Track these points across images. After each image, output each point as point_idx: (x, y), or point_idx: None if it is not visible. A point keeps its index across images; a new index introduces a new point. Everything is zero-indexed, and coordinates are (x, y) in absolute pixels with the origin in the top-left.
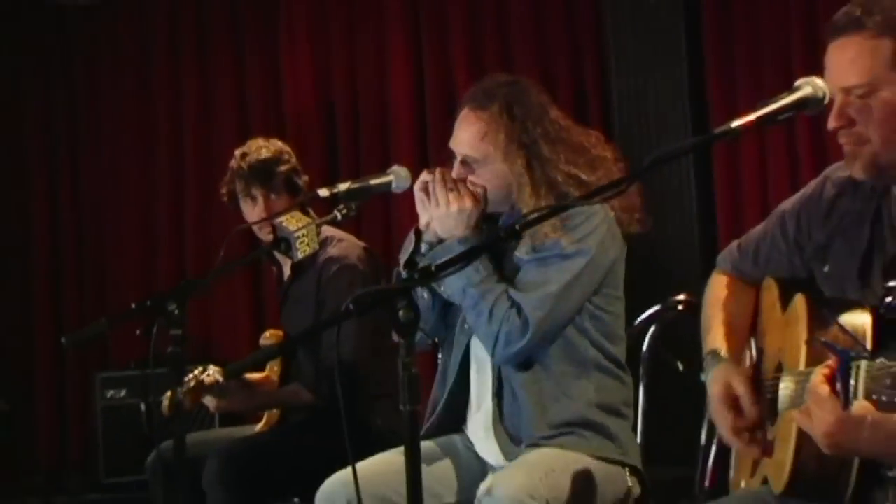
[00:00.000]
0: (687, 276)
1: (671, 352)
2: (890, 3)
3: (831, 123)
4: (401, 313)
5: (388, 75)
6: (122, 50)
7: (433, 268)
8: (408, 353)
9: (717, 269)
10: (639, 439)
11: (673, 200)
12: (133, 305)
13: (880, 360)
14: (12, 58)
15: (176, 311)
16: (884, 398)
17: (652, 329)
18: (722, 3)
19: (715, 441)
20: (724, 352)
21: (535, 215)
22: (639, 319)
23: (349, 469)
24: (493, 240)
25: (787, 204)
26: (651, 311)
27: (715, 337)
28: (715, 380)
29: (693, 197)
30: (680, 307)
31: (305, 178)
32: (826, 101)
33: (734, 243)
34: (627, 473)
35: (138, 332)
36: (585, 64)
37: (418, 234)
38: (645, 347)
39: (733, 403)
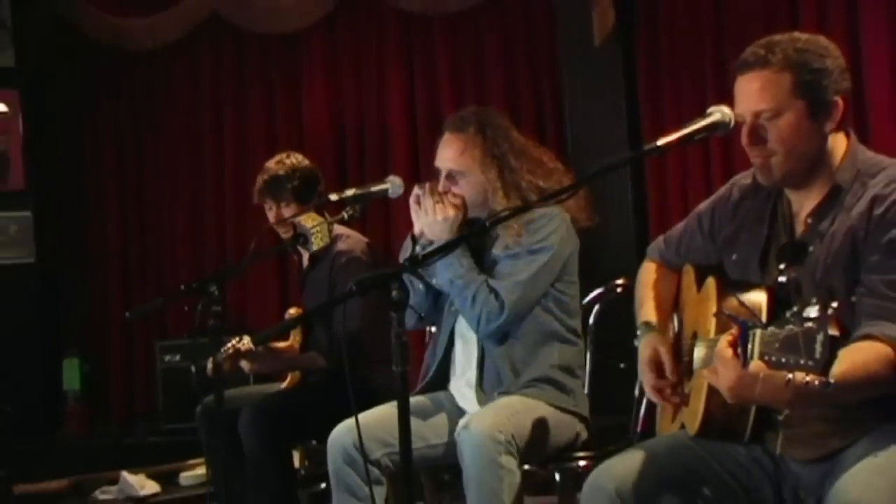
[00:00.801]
0: (624, 264)
1: (612, 325)
2: (786, 45)
3: (745, 140)
4: (394, 293)
5: (387, 104)
6: (176, 84)
7: (420, 257)
8: (399, 325)
9: (647, 257)
10: (587, 387)
11: (614, 203)
12: (182, 287)
13: (771, 329)
14: (92, 90)
15: (216, 292)
16: (773, 359)
17: (597, 307)
18: (651, 46)
19: (646, 395)
20: (653, 323)
21: (503, 214)
22: (587, 299)
23: (353, 418)
24: (471, 234)
25: (703, 206)
26: (596, 292)
27: (646, 311)
28: (645, 346)
29: (630, 200)
30: (619, 289)
31: (320, 188)
32: (732, 125)
33: (661, 237)
34: (578, 422)
35: (186, 308)
36: (545, 94)
37: (413, 239)
38: (591, 321)
39: (657, 366)
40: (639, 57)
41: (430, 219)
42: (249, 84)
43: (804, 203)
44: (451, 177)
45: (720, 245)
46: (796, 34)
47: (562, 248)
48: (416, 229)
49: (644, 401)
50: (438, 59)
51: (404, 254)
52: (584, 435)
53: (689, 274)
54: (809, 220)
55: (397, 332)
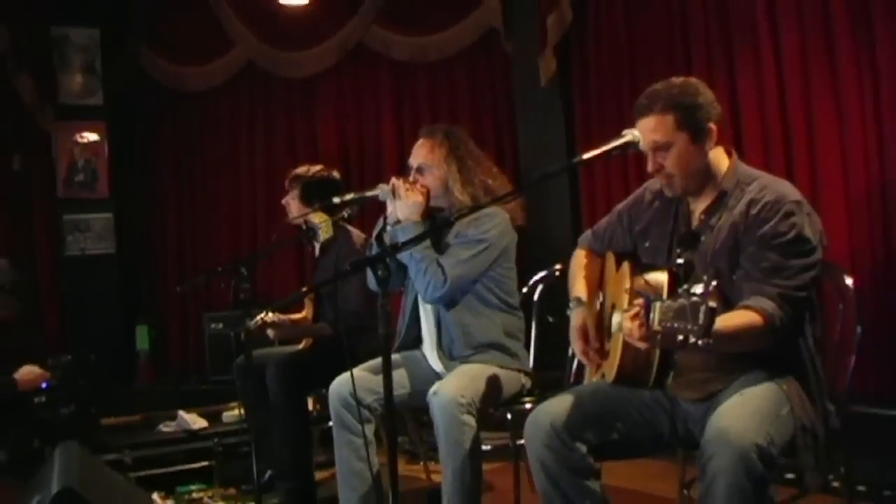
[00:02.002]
0: (563, 252)
1: (553, 299)
2: (665, 92)
3: (650, 168)
4: (379, 272)
5: (381, 132)
6: (220, 118)
7: (400, 244)
8: (384, 297)
9: (578, 246)
10: (532, 352)
11: (555, 205)
12: (220, 268)
13: (668, 302)
14: (159, 122)
15: (245, 272)
16: (668, 325)
17: (541, 285)
18: (584, 87)
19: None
20: (583, 298)
21: (464, 212)
22: (532, 280)
23: (350, 372)
24: (439, 227)
25: (622, 205)
26: (541, 274)
27: (578, 288)
28: (575, 317)
29: (568, 202)
30: (557, 272)
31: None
32: (640, 144)
33: (589, 230)
34: (523, 376)
35: (223, 285)
36: (503, 124)
37: (384, 219)
38: (536, 297)
39: (584, 333)
40: (575, 95)
41: (403, 202)
42: (276, 117)
43: (699, 204)
44: (420, 170)
45: (635, 236)
46: (672, 80)
47: (500, 239)
48: (389, 211)
49: (575, 359)
50: (420, 97)
51: (375, 230)
52: (529, 384)
53: (610, 259)
54: (702, 217)
55: (382, 302)
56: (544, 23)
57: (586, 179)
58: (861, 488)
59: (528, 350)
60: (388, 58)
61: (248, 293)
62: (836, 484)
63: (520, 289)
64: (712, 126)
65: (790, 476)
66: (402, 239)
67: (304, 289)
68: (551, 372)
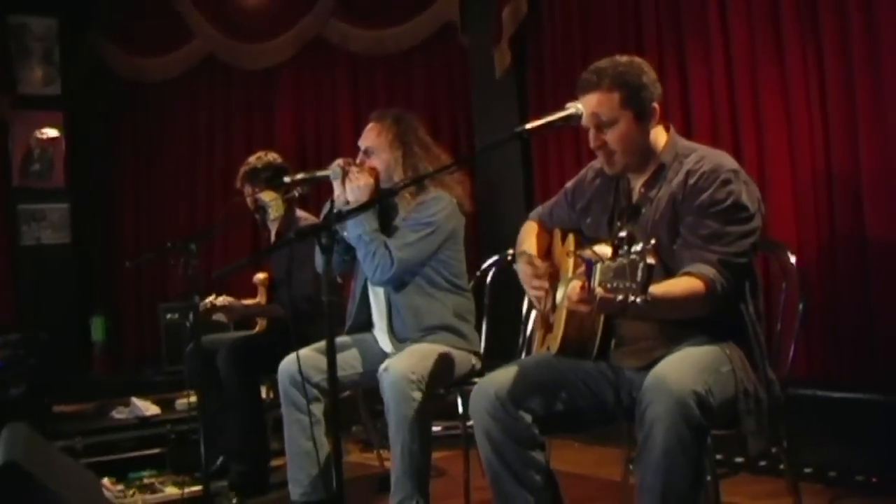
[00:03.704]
0: (516, 237)
1: (502, 285)
2: (612, 70)
3: (592, 144)
4: (323, 240)
5: (338, 123)
6: (179, 109)
7: (343, 212)
8: (327, 264)
9: (529, 219)
10: (484, 335)
11: (509, 189)
12: (168, 244)
13: (608, 263)
14: (116, 112)
15: (194, 249)
16: (609, 285)
17: (493, 269)
18: (538, 78)
19: (526, 332)
20: (531, 252)
21: (402, 185)
22: (485, 264)
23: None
24: (378, 199)
25: (569, 183)
26: (492, 259)
27: (526, 246)
28: (522, 260)
29: (521, 185)
30: (509, 257)
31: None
32: (583, 119)
33: (541, 206)
34: (473, 356)
35: (172, 262)
36: (459, 114)
37: (332, 202)
38: (488, 281)
39: (534, 266)
40: (530, 86)
41: (353, 184)
42: (234, 109)
43: (639, 178)
44: (367, 152)
45: (578, 213)
46: (617, 57)
47: (446, 223)
48: (336, 194)
49: (526, 337)
50: (378, 89)
51: (324, 212)
52: (479, 366)
53: (557, 236)
54: (642, 190)
55: (325, 269)
56: (500, 16)
57: (540, 165)
58: (808, 470)
59: (479, 333)
60: (346, 50)
61: (197, 270)
62: (781, 466)
63: (473, 273)
64: (656, 106)
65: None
66: (351, 222)
67: (259, 275)
68: (503, 359)
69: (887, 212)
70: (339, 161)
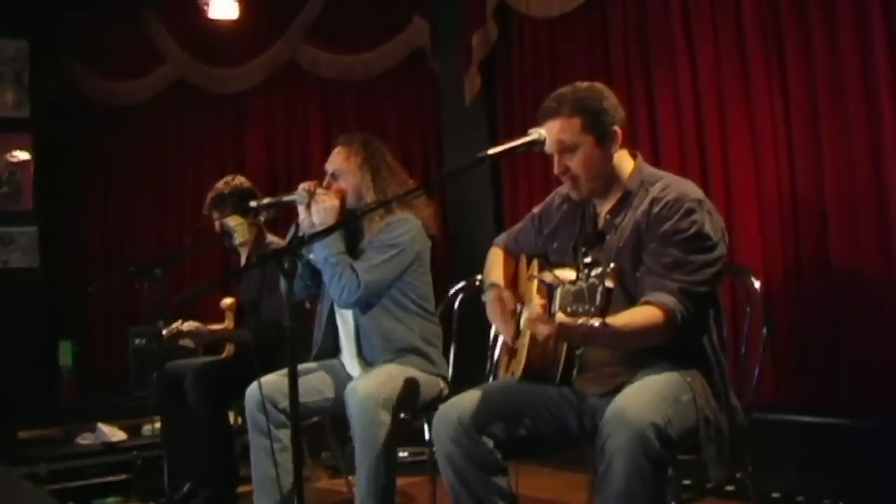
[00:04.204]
0: (485, 262)
1: (470, 311)
2: (572, 96)
3: (556, 171)
4: (285, 264)
5: (309, 149)
6: (149, 132)
7: (307, 236)
8: (289, 289)
9: (495, 245)
10: (452, 360)
11: (478, 213)
12: (132, 269)
13: (568, 287)
14: (86, 135)
15: (158, 274)
16: (569, 309)
17: (460, 296)
18: (507, 104)
19: (493, 357)
20: (498, 283)
21: (367, 208)
22: (452, 290)
23: (267, 376)
24: (344, 222)
25: (536, 209)
26: (459, 285)
27: (495, 276)
28: (492, 293)
29: (491, 211)
30: (477, 283)
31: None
32: (546, 146)
33: (506, 231)
34: (440, 380)
35: (136, 286)
36: (429, 140)
37: (296, 226)
38: (456, 307)
39: (503, 304)
40: (499, 112)
41: (319, 206)
42: (205, 133)
43: (604, 205)
44: (334, 176)
45: (544, 238)
46: (577, 84)
47: (412, 246)
48: (301, 218)
49: (493, 362)
50: (348, 114)
51: (289, 236)
52: (446, 390)
53: (522, 262)
54: (608, 217)
55: (287, 293)
56: (470, 42)
57: (509, 191)
58: (775, 495)
59: (447, 358)
60: (317, 76)
61: (161, 295)
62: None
63: (442, 298)
64: (617, 129)
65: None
66: (318, 245)
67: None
68: (470, 384)
69: (852, 237)
70: (306, 184)
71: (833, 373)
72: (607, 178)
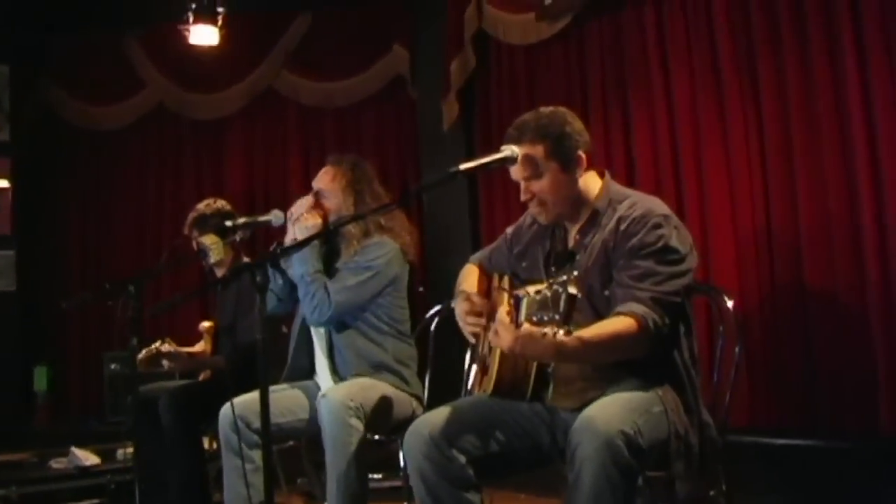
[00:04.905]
0: None
1: (447, 334)
2: (534, 123)
3: (522, 198)
4: (258, 278)
5: (288, 175)
6: (130, 157)
7: (280, 250)
8: (261, 302)
9: (470, 262)
10: (427, 383)
11: (456, 238)
12: (107, 285)
13: (533, 297)
14: (67, 159)
15: (133, 290)
16: (535, 318)
17: (436, 319)
18: (484, 130)
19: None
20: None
21: (341, 222)
22: (429, 313)
23: (241, 397)
24: (316, 236)
25: (509, 229)
26: (436, 308)
27: (466, 286)
28: (460, 298)
29: (469, 236)
30: (453, 305)
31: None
32: (517, 159)
33: (480, 251)
34: (414, 400)
35: (109, 303)
36: (408, 165)
37: (278, 244)
38: (433, 328)
39: (471, 303)
40: (477, 138)
41: (301, 224)
42: (184, 159)
43: (574, 224)
44: (319, 194)
45: (515, 257)
46: (541, 110)
47: (388, 268)
48: (288, 239)
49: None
50: (328, 141)
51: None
52: (420, 410)
53: (496, 279)
54: (577, 237)
55: (259, 307)
56: (448, 69)
57: (487, 216)
58: None
59: (423, 381)
60: (297, 102)
61: (136, 313)
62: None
63: (418, 322)
64: (581, 154)
65: None
66: (296, 261)
67: (204, 323)
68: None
69: (825, 261)
70: (304, 200)
71: (808, 396)
72: (574, 201)
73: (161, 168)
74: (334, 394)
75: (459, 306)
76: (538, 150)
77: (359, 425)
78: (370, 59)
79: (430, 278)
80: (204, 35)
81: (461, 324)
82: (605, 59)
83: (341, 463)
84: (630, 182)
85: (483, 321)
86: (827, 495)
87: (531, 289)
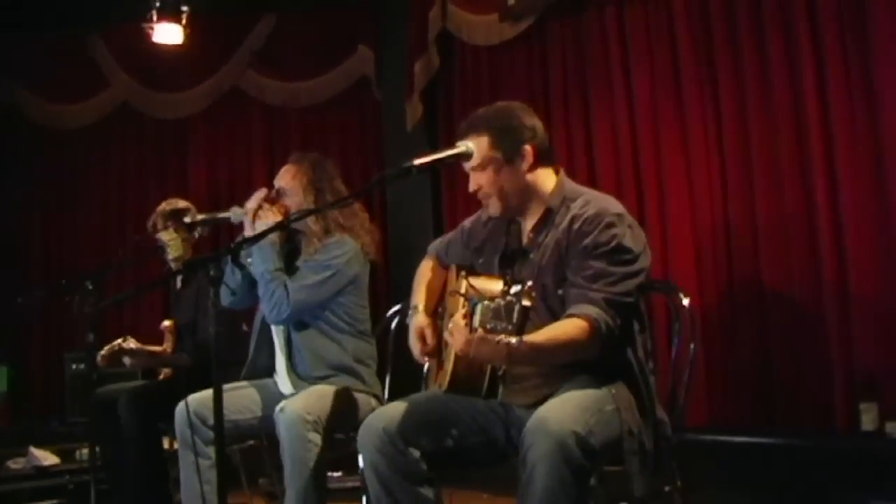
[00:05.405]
0: None
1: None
2: (484, 114)
3: (470, 188)
4: (211, 272)
5: (253, 175)
6: (92, 156)
7: (235, 244)
8: (215, 296)
9: (427, 255)
10: (388, 382)
11: (419, 238)
12: (63, 281)
13: (488, 303)
14: (28, 158)
15: (90, 287)
16: (488, 325)
17: (397, 318)
18: (447, 130)
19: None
20: (421, 306)
21: (299, 215)
22: (389, 312)
23: (198, 394)
24: (271, 230)
25: (466, 222)
26: (396, 307)
27: (418, 297)
28: (413, 324)
29: (432, 236)
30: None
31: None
32: (473, 155)
33: (438, 239)
34: (373, 399)
35: (67, 299)
36: (371, 165)
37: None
38: (393, 328)
39: (422, 335)
40: (440, 139)
41: (261, 221)
42: (148, 158)
43: (529, 222)
44: (280, 192)
45: (472, 252)
46: (496, 104)
47: (347, 268)
48: (247, 234)
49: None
50: (292, 141)
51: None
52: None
53: (452, 271)
54: (531, 234)
55: (214, 301)
56: (412, 69)
57: (450, 217)
58: None
59: (383, 380)
60: (262, 102)
61: (94, 309)
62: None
63: (378, 320)
64: (527, 148)
65: None
66: (257, 259)
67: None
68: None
69: (782, 261)
70: (259, 193)
71: (765, 393)
72: (521, 195)
73: (125, 167)
74: (291, 407)
75: (413, 342)
76: (482, 142)
77: (317, 439)
78: (335, 60)
79: (393, 277)
80: (168, 34)
81: (414, 353)
82: (566, 59)
83: (300, 478)
84: (591, 181)
85: (434, 360)
86: (784, 491)
87: (484, 286)
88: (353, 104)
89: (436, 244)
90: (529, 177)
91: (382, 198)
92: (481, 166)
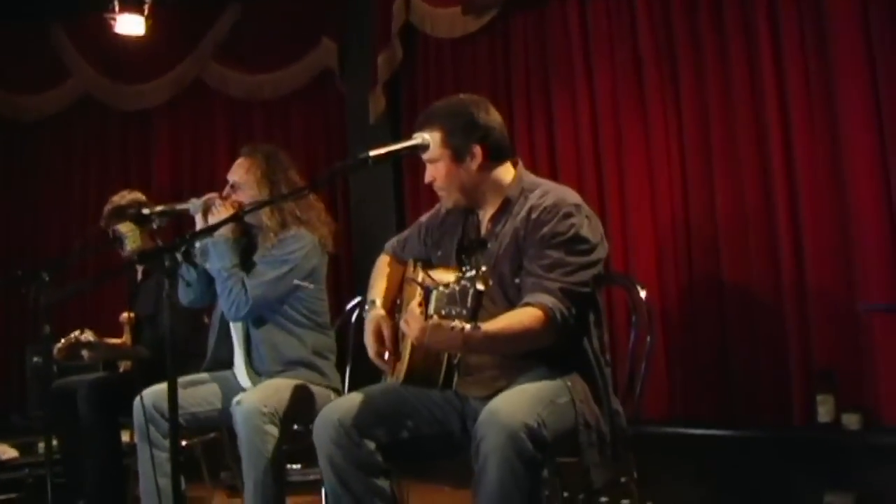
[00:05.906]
0: None
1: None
2: (440, 108)
3: (426, 179)
4: (166, 263)
5: (216, 167)
6: (55, 147)
7: (189, 235)
8: (171, 287)
9: (384, 251)
10: (348, 375)
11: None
12: (19, 272)
13: (443, 290)
14: None
15: (46, 278)
16: (444, 311)
17: (357, 311)
18: (410, 123)
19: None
20: (378, 301)
21: (252, 208)
22: (349, 305)
23: (152, 388)
24: (224, 222)
25: (424, 217)
26: (356, 300)
27: (375, 292)
28: (369, 320)
29: (394, 231)
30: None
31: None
32: (429, 146)
33: (395, 237)
34: (332, 392)
35: (23, 291)
36: (335, 157)
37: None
38: (352, 321)
39: (378, 335)
40: (403, 131)
41: (215, 217)
42: (110, 150)
43: (486, 213)
44: (234, 187)
45: (429, 246)
46: (456, 96)
47: (305, 261)
48: (198, 227)
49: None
50: (256, 133)
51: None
52: None
53: (410, 264)
54: (489, 225)
55: (168, 292)
56: (375, 62)
57: (413, 211)
58: None
59: (343, 372)
60: (225, 94)
61: (49, 300)
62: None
63: (339, 313)
64: (477, 148)
65: None
66: (214, 256)
67: (124, 315)
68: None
69: (741, 256)
70: (207, 195)
71: (724, 387)
72: (475, 190)
73: (87, 159)
74: (248, 400)
75: (369, 346)
76: (436, 137)
77: (274, 431)
78: (299, 52)
79: (356, 269)
80: (130, 24)
81: (369, 352)
82: (529, 52)
83: (258, 469)
84: (552, 174)
85: (390, 363)
86: (742, 483)
87: (441, 277)
88: (316, 97)
89: (392, 241)
90: (482, 174)
91: (346, 191)
92: (434, 159)
